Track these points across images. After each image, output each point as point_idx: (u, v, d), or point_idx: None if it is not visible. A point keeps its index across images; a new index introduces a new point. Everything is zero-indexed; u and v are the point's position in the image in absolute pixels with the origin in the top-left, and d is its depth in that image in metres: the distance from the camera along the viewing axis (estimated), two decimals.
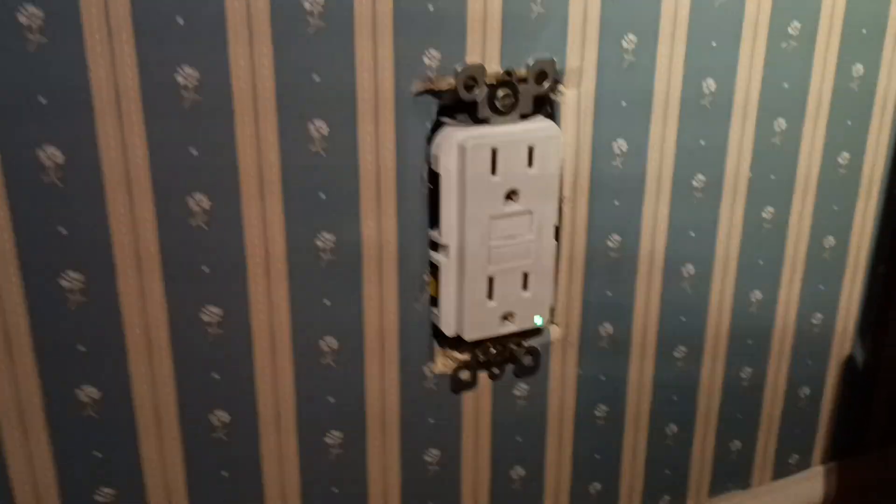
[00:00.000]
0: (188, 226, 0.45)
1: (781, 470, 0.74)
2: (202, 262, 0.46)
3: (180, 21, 0.41)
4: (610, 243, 0.57)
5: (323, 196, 0.48)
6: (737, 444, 0.70)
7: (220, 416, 0.50)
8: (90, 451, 0.47)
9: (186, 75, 0.42)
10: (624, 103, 0.54)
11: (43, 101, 0.40)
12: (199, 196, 0.45)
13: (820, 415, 0.73)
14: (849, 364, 0.73)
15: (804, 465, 0.75)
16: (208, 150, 0.44)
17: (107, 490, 0.48)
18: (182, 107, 0.43)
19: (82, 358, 0.45)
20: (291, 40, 0.44)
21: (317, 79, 0.45)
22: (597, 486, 0.65)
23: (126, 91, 0.41)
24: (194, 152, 0.44)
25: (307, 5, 0.44)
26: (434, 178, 0.51)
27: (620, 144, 0.55)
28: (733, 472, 0.71)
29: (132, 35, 0.41)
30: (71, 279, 0.43)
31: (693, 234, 0.60)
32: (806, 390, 0.72)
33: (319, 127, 0.46)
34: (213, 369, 0.48)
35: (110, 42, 0.40)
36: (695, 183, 0.59)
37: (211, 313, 0.47)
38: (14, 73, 0.39)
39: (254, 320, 0.48)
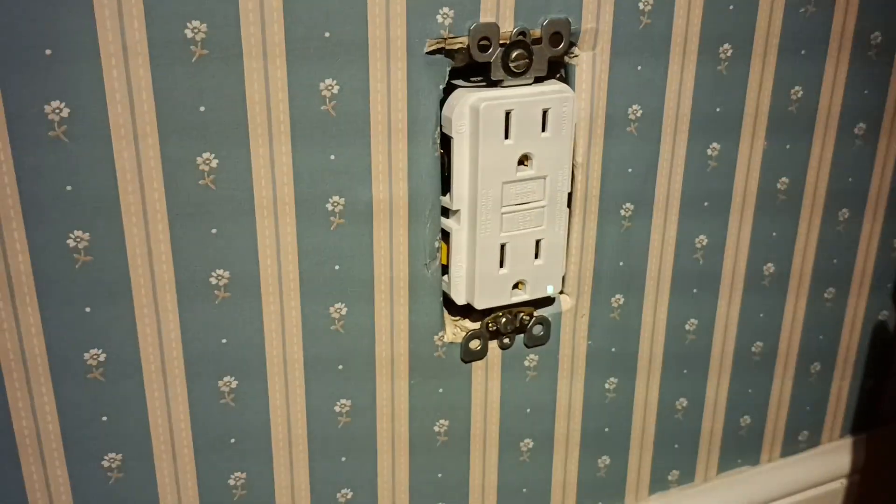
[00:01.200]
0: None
1: (791, 447, 0.73)
2: (210, 226, 0.45)
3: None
4: (623, 212, 0.56)
5: (333, 157, 0.47)
6: (746, 420, 0.69)
7: (229, 382, 0.49)
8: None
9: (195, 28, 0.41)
10: (640, 67, 0.53)
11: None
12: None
13: (830, 391, 0.73)
14: (861, 339, 0.72)
15: (814, 442, 0.74)
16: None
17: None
18: None
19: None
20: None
21: (327, 34, 0.44)
22: (606, 459, 0.64)
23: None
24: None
25: None
26: (446, 141, 0.50)
27: (636, 109, 0.54)
28: (742, 449, 0.71)
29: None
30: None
31: (707, 205, 0.59)
32: (817, 366, 0.71)
33: (330, 85, 0.45)
34: (221, 335, 0.48)
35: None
36: (709, 152, 0.58)
37: (219, 276, 0.46)
38: None
39: (263, 288, 0.48)
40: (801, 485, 0.74)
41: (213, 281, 0.46)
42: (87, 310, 0.44)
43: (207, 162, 0.44)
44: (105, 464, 0.47)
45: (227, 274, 0.46)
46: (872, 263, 0.69)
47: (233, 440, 0.50)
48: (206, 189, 0.44)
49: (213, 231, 0.45)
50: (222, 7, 0.41)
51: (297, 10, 0.43)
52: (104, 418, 0.46)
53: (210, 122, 0.43)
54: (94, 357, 0.45)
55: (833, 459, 0.75)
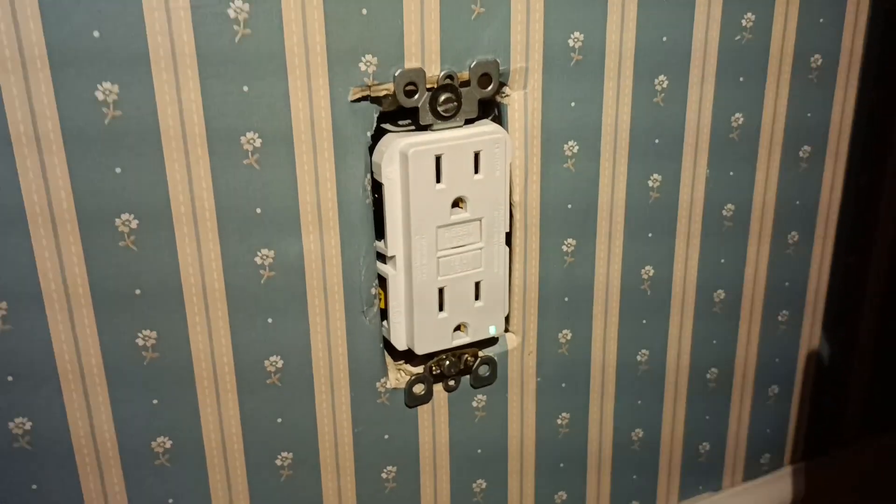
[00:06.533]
0: (117, 247, 0.43)
1: (753, 471, 0.73)
2: (133, 286, 0.44)
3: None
4: (565, 248, 0.56)
5: (259, 211, 0.46)
6: (706, 446, 0.69)
7: (162, 442, 0.48)
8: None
9: (106, 91, 0.40)
10: (573, 104, 0.52)
11: None
12: (126, 216, 0.43)
13: (790, 413, 0.72)
14: (818, 360, 0.72)
15: (776, 464, 0.74)
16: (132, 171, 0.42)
17: None
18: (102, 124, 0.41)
19: None
20: (215, 50, 0.42)
21: (245, 89, 0.43)
22: (563, 494, 0.63)
23: None
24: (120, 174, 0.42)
25: (231, 13, 0.42)
26: (378, 187, 0.49)
27: (571, 146, 0.53)
28: (703, 475, 0.70)
29: None
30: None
31: (651, 235, 0.59)
32: (775, 388, 0.70)
33: (251, 139, 0.44)
34: (154, 396, 0.46)
35: None
36: (650, 183, 0.57)
37: (146, 336, 0.45)
38: None
39: (192, 345, 0.46)
40: None
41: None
42: None
43: (127, 222, 0.43)
44: None
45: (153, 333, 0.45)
46: (826, 284, 0.69)
47: None
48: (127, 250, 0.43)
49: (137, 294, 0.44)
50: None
51: (212, 62, 0.42)
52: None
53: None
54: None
55: (797, 481, 0.75)
